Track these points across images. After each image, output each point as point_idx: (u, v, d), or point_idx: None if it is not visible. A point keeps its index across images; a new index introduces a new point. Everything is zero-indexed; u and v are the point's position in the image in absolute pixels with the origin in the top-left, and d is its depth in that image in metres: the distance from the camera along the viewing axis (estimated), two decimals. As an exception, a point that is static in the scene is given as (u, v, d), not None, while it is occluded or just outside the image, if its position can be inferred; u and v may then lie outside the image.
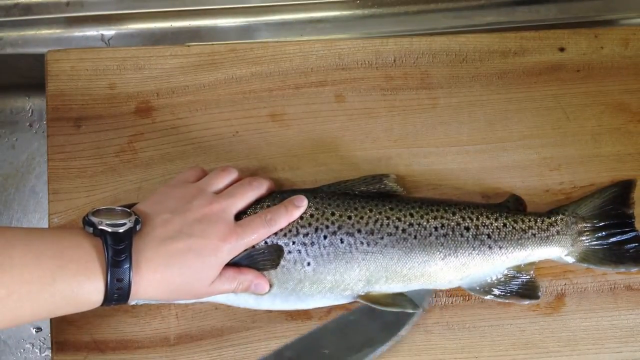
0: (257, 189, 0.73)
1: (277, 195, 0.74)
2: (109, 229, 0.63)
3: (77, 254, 0.61)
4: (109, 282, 0.61)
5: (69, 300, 0.61)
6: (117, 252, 0.62)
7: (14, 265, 0.58)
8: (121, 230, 0.63)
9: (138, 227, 0.65)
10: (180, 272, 0.65)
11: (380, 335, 0.74)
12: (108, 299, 0.62)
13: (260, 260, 0.71)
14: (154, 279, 0.64)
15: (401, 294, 0.73)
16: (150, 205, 0.69)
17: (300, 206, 0.72)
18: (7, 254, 0.58)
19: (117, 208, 0.66)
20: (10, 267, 0.58)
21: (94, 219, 0.64)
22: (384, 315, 0.74)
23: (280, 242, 0.71)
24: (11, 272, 0.58)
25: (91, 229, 0.63)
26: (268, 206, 0.73)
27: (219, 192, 0.72)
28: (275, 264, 0.71)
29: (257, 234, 0.69)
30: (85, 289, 0.61)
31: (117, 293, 0.62)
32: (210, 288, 0.68)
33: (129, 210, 0.66)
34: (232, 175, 0.74)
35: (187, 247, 0.65)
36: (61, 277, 0.60)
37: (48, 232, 0.64)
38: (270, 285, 0.72)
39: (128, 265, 0.62)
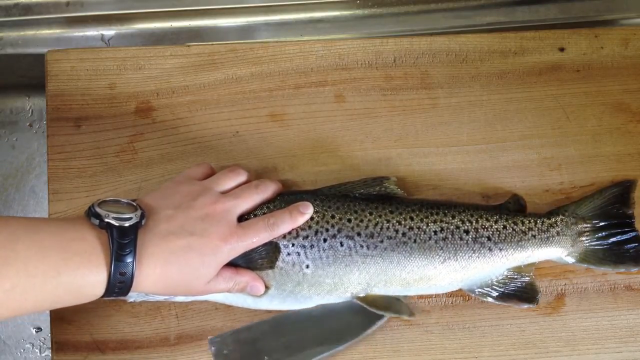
0: (263, 193, 0.73)
1: (278, 197, 0.74)
2: (115, 223, 0.62)
3: (81, 246, 0.61)
4: (112, 275, 0.61)
5: (72, 292, 0.61)
6: (122, 246, 0.62)
7: (19, 259, 0.58)
8: (127, 224, 0.63)
9: (143, 222, 0.65)
10: (178, 269, 0.65)
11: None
12: (109, 292, 0.62)
13: (258, 259, 0.71)
14: (153, 274, 0.64)
15: (398, 299, 0.74)
16: (156, 199, 0.69)
17: (305, 213, 0.71)
18: (12, 247, 0.58)
19: (122, 200, 0.66)
20: (15, 261, 0.58)
21: (100, 211, 0.63)
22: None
23: (279, 245, 0.71)
24: (16, 265, 0.58)
25: (97, 221, 0.63)
26: (268, 207, 0.73)
27: (225, 193, 0.72)
28: (272, 263, 0.71)
29: (258, 237, 0.69)
30: (88, 281, 0.61)
31: (118, 286, 0.62)
32: (207, 287, 0.68)
33: (134, 204, 0.66)
34: (241, 177, 0.74)
35: (187, 245, 0.65)
36: (65, 270, 0.60)
37: (52, 223, 0.63)
38: (269, 287, 0.72)
39: (132, 260, 0.62)
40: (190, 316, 0.76)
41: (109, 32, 0.95)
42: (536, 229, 0.74)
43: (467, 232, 0.73)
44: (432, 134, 0.81)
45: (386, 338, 0.75)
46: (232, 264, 0.70)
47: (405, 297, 0.75)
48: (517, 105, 0.82)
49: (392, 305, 0.73)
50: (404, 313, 0.73)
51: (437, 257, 0.72)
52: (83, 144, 0.80)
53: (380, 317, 0.74)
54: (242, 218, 0.71)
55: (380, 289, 0.72)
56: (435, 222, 0.73)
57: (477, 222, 0.74)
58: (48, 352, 0.99)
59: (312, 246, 0.71)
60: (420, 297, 0.76)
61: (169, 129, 0.81)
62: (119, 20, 0.94)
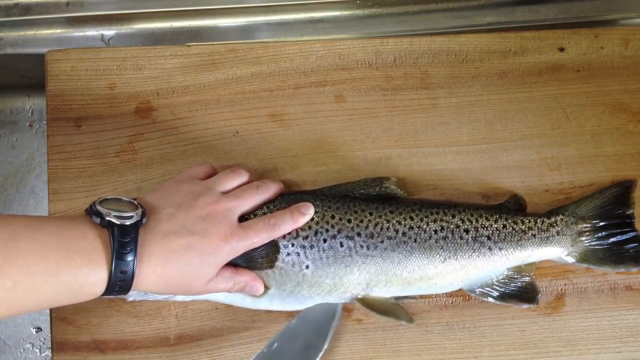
0: (264, 193, 0.73)
1: (278, 197, 0.74)
2: (117, 221, 0.62)
3: (82, 245, 0.61)
4: (112, 273, 0.61)
5: (72, 291, 0.61)
6: (123, 244, 0.62)
7: (20, 257, 0.58)
8: (128, 223, 0.63)
9: (144, 221, 0.65)
10: (179, 268, 0.65)
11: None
12: (110, 290, 0.62)
13: (258, 258, 0.71)
14: (154, 273, 0.64)
15: (398, 305, 0.74)
16: (157, 198, 0.69)
17: (306, 214, 0.71)
18: (13, 245, 0.58)
19: (124, 198, 0.66)
20: (16, 259, 0.58)
21: (102, 209, 0.63)
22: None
23: (279, 244, 0.71)
24: (17, 263, 0.57)
25: (98, 220, 0.63)
26: (268, 207, 0.73)
27: (226, 193, 0.72)
28: (272, 262, 0.71)
29: (259, 238, 0.69)
30: (89, 280, 0.61)
31: (119, 285, 0.62)
32: (206, 286, 0.68)
33: (135, 203, 0.66)
34: (242, 178, 0.74)
35: (188, 244, 0.65)
36: (66, 268, 0.60)
37: (53, 221, 0.63)
38: (269, 287, 0.72)
39: (132, 258, 0.62)
40: (190, 316, 0.76)
41: (109, 32, 0.95)
42: (536, 228, 0.74)
43: (467, 231, 0.73)
44: (432, 134, 0.81)
45: (386, 338, 0.76)
46: (232, 264, 0.70)
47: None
48: (517, 105, 0.82)
49: (393, 309, 0.73)
50: (404, 319, 0.73)
51: (438, 256, 0.72)
52: (83, 144, 0.80)
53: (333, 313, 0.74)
54: (242, 218, 0.71)
55: (381, 289, 0.72)
56: (435, 221, 0.73)
57: (477, 221, 0.74)
58: (48, 352, 0.99)
59: (312, 246, 0.71)
60: (421, 297, 0.76)
61: (169, 129, 0.81)
62: (119, 20, 0.94)
